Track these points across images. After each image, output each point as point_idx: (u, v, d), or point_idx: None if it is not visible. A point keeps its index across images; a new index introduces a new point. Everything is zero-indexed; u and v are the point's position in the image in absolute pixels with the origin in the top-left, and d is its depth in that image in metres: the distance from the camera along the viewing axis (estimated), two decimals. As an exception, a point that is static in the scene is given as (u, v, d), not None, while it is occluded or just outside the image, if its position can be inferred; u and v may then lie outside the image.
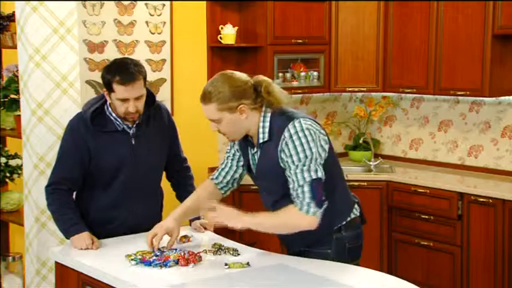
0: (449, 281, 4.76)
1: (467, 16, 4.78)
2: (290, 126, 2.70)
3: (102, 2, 4.70)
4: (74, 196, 3.26)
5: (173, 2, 5.02)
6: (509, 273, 4.44)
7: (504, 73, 4.80)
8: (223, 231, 3.02)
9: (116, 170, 3.18)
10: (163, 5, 4.97)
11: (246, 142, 2.89)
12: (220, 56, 5.28)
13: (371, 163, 5.55)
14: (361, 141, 5.69)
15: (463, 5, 4.80)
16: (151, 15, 4.93)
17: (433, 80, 5.04)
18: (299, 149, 2.68)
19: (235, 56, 5.33)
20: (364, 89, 5.50)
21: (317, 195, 2.67)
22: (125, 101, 3.05)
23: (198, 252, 2.84)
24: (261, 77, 2.82)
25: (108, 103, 3.17)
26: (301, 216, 2.67)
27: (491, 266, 4.53)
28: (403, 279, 2.66)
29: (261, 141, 2.79)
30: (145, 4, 4.90)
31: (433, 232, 4.83)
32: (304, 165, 2.67)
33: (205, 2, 5.18)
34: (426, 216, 4.86)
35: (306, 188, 2.66)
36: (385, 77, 5.38)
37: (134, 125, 3.19)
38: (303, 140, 2.68)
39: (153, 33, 4.95)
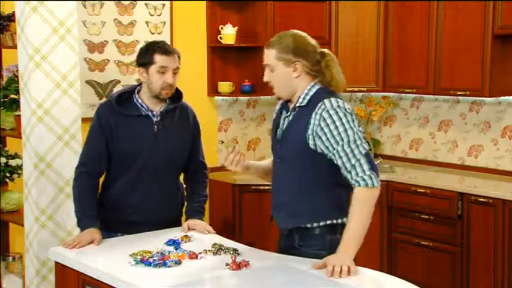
0: (449, 281, 4.76)
1: (467, 16, 4.78)
2: (327, 100, 2.73)
3: (102, 2, 4.70)
4: (99, 182, 3.33)
5: (173, 2, 5.02)
6: (509, 273, 4.44)
7: (504, 73, 4.79)
8: (223, 231, 3.01)
9: (136, 154, 3.24)
10: (163, 5, 4.97)
11: (282, 106, 2.95)
12: (220, 56, 5.27)
13: (371, 163, 5.54)
14: (361, 141, 5.68)
15: (463, 5, 4.80)
16: (152, 15, 4.93)
17: (433, 80, 5.04)
18: (344, 124, 2.71)
19: (235, 56, 5.33)
20: (364, 89, 5.49)
21: (374, 164, 2.71)
22: (164, 71, 3.17)
23: (199, 253, 2.84)
24: (328, 51, 2.90)
25: (136, 92, 3.26)
26: (371, 192, 2.68)
27: (491, 266, 4.53)
28: (403, 279, 2.66)
29: (298, 104, 2.82)
30: (145, 4, 4.90)
31: (433, 232, 4.83)
32: (354, 139, 2.69)
33: (205, 2, 5.19)
34: (426, 216, 4.86)
35: (363, 160, 2.69)
36: (385, 77, 5.38)
37: (159, 113, 3.25)
38: (345, 115, 2.72)
39: (153, 33, 4.96)
